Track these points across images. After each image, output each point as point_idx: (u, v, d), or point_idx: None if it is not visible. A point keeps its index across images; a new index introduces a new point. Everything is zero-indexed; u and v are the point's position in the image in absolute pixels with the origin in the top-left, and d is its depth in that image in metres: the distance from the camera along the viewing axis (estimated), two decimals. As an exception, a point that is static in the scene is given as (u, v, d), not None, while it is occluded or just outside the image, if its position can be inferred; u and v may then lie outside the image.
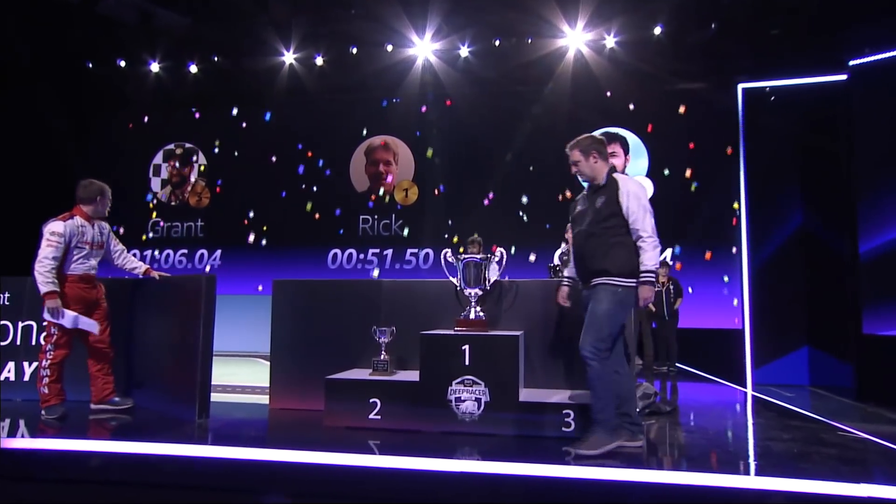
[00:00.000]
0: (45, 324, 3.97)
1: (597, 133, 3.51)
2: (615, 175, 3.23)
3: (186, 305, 4.03)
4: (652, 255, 3.08)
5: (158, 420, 3.97)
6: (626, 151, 9.25)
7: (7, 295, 4.71)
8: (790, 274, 8.22)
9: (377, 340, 3.98)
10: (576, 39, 8.70)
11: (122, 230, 9.67)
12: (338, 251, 9.91)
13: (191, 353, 3.91)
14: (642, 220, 3.09)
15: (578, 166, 3.25)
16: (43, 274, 3.83)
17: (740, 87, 8.76)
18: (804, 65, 8.19)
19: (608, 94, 9.17)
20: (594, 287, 3.15)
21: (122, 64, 9.85)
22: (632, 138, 9.27)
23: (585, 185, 3.35)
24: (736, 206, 8.64)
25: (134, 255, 4.45)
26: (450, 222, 9.55)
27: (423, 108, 9.84)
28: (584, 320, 3.15)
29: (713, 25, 8.12)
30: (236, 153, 10.41)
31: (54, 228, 3.89)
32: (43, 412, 3.92)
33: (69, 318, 3.89)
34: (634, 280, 3.09)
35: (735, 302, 8.59)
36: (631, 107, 9.24)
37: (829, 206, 7.91)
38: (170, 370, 4.20)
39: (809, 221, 8.24)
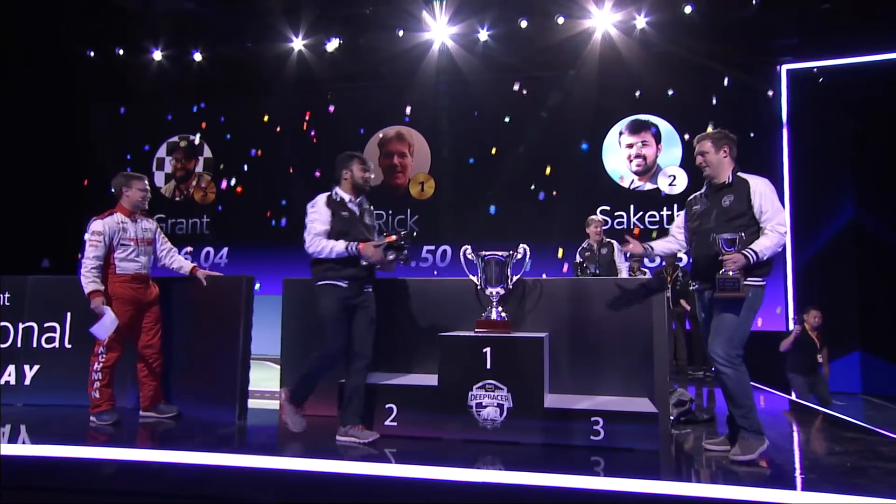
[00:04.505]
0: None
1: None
2: (742, 174, 3.37)
3: (226, 307, 4.16)
4: (767, 243, 3.17)
5: (189, 425, 4.05)
6: (658, 140, 9.14)
7: (7, 295, 4.77)
8: (839, 271, 8.04)
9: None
10: (604, 20, 8.62)
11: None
12: (350, 248, 9.96)
13: (231, 357, 4.12)
14: (775, 217, 3.23)
15: (706, 157, 3.40)
16: (85, 274, 3.94)
17: (784, 67, 8.62)
18: (858, 42, 8.00)
19: (638, 79, 9.05)
20: None
21: (122, 52, 10.01)
22: (664, 126, 9.15)
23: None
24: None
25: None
26: (467, 217, 9.54)
27: (438, 96, 9.82)
28: (711, 325, 3.29)
29: (754, 0, 7.97)
30: (243, 146, 10.50)
31: (94, 228, 4.01)
32: (93, 418, 4.03)
33: (109, 317, 3.89)
34: (761, 279, 3.23)
35: (778, 308, 8.45)
36: (666, 92, 9.12)
37: (883, 198, 7.74)
38: (203, 374, 4.32)
39: (861, 214, 8.05)
